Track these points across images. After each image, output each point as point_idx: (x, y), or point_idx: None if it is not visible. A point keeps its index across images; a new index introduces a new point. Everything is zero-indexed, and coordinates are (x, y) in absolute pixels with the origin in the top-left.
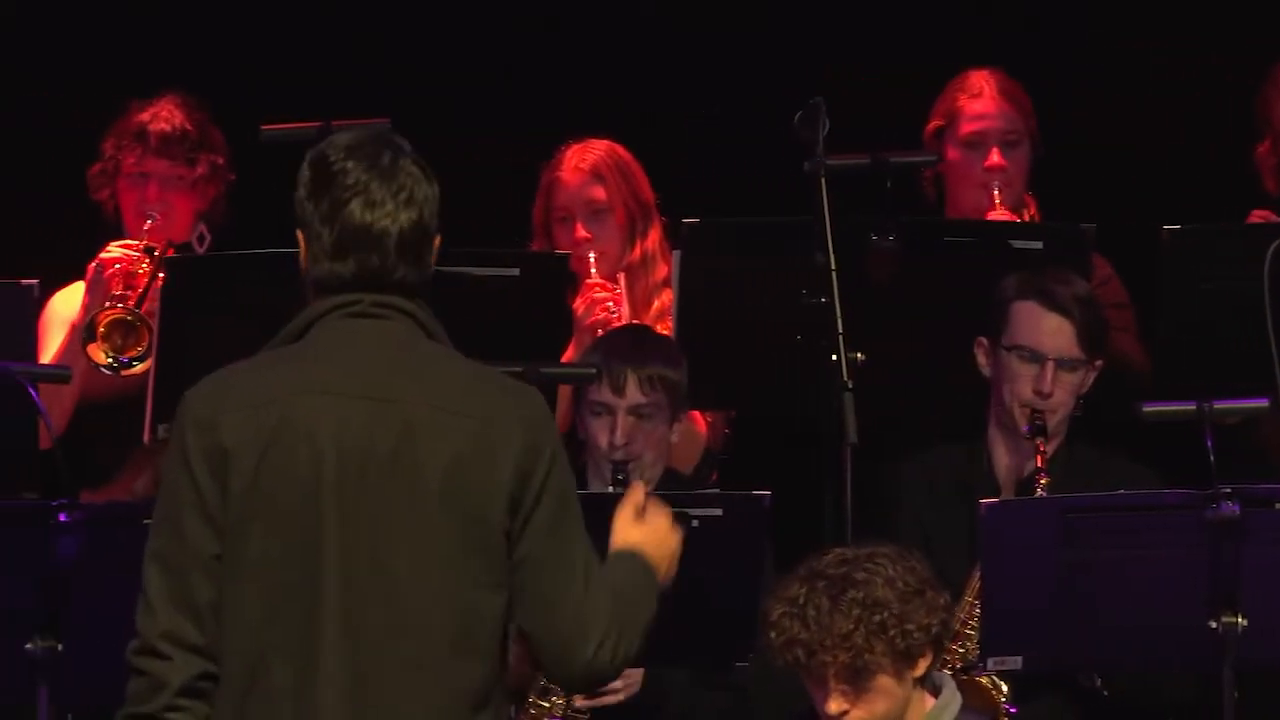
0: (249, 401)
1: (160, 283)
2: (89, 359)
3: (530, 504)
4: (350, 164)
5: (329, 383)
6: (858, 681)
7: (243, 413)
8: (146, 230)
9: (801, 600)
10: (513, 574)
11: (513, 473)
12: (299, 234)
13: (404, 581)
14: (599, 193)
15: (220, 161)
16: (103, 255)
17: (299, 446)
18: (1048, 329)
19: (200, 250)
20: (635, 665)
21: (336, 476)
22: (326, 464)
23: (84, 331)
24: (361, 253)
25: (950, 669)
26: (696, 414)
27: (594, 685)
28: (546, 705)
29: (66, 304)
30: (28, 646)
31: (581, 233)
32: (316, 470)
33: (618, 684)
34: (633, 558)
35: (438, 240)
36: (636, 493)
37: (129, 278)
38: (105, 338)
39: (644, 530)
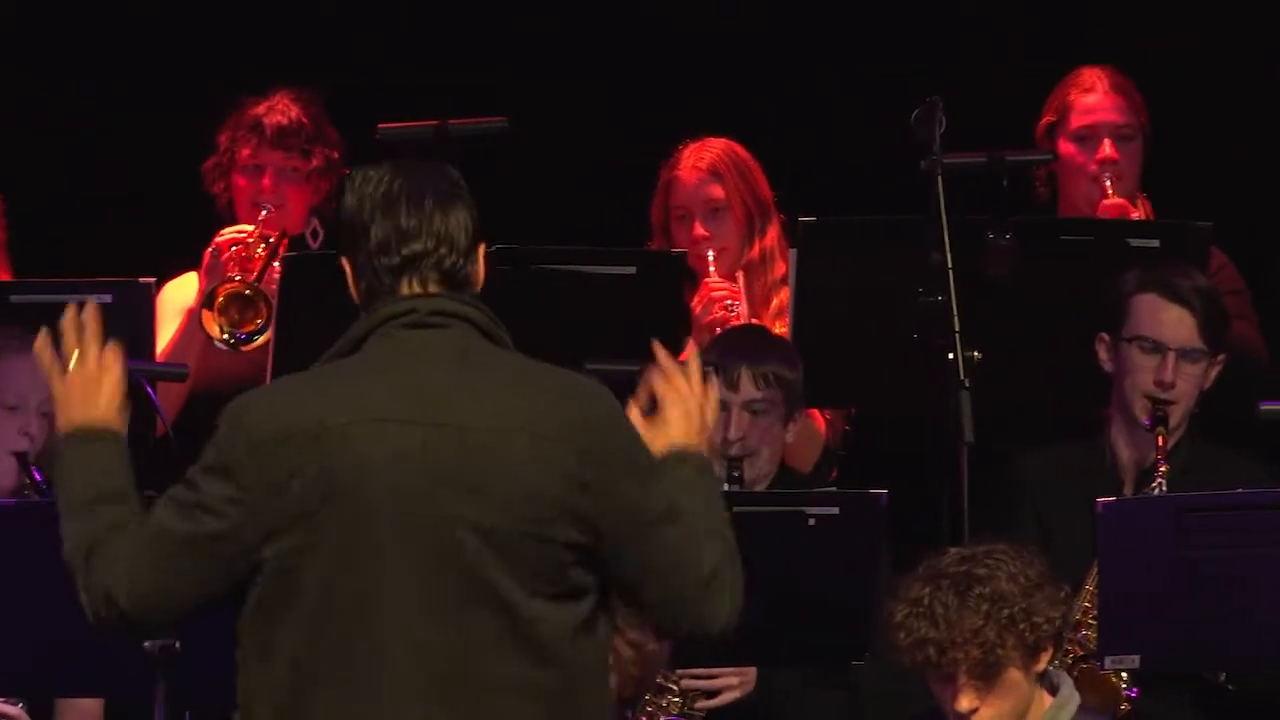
0: (302, 428)
1: (277, 267)
2: (205, 331)
3: (600, 510)
4: (381, 182)
5: (382, 406)
6: (988, 677)
7: (296, 440)
8: (261, 220)
9: (927, 600)
10: (616, 579)
11: (575, 486)
12: (343, 261)
13: (470, 605)
14: (717, 191)
15: (334, 156)
16: (218, 239)
17: (351, 476)
18: (1169, 320)
19: (314, 245)
20: (751, 664)
21: (392, 506)
22: (381, 493)
23: (203, 301)
24: (399, 265)
25: (1070, 659)
26: (816, 412)
27: (723, 635)
28: (663, 705)
29: (178, 294)
30: (145, 644)
31: (700, 231)
32: (369, 500)
33: (733, 681)
34: (679, 465)
35: (483, 248)
36: (637, 401)
37: (245, 261)
38: (223, 311)
39: (671, 426)
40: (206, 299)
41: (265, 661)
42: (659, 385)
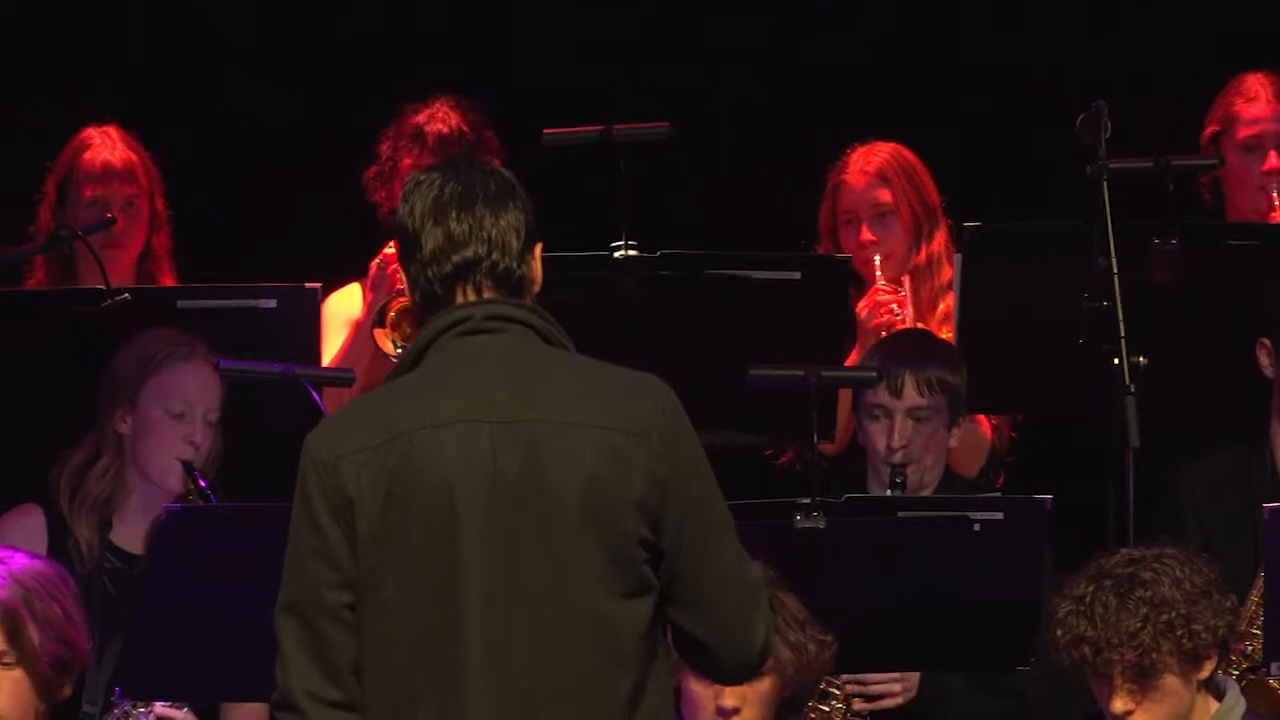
0: (368, 442)
1: None
2: (377, 346)
3: (668, 508)
4: (432, 187)
5: (447, 413)
6: (1144, 681)
7: (363, 455)
8: None
9: (1089, 599)
10: (666, 581)
11: (643, 479)
12: (401, 261)
13: (547, 607)
14: (885, 195)
15: (495, 163)
16: (386, 251)
17: (423, 484)
18: None
19: None
20: (914, 669)
21: (465, 509)
22: (453, 498)
23: (374, 318)
24: (451, 273)
25: (1236, 670)
26: (982, 418)
27: (752, 672)
28: (826, 710)
29: (343, 305)
30: None
31: (867, 235)
32: (443, 505)
33: (896, 688)
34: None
35: (539, 248)
36: None
37: None
38: (394, 326)
39: None
40: (379, 316)
41: (369, 689)
42: None
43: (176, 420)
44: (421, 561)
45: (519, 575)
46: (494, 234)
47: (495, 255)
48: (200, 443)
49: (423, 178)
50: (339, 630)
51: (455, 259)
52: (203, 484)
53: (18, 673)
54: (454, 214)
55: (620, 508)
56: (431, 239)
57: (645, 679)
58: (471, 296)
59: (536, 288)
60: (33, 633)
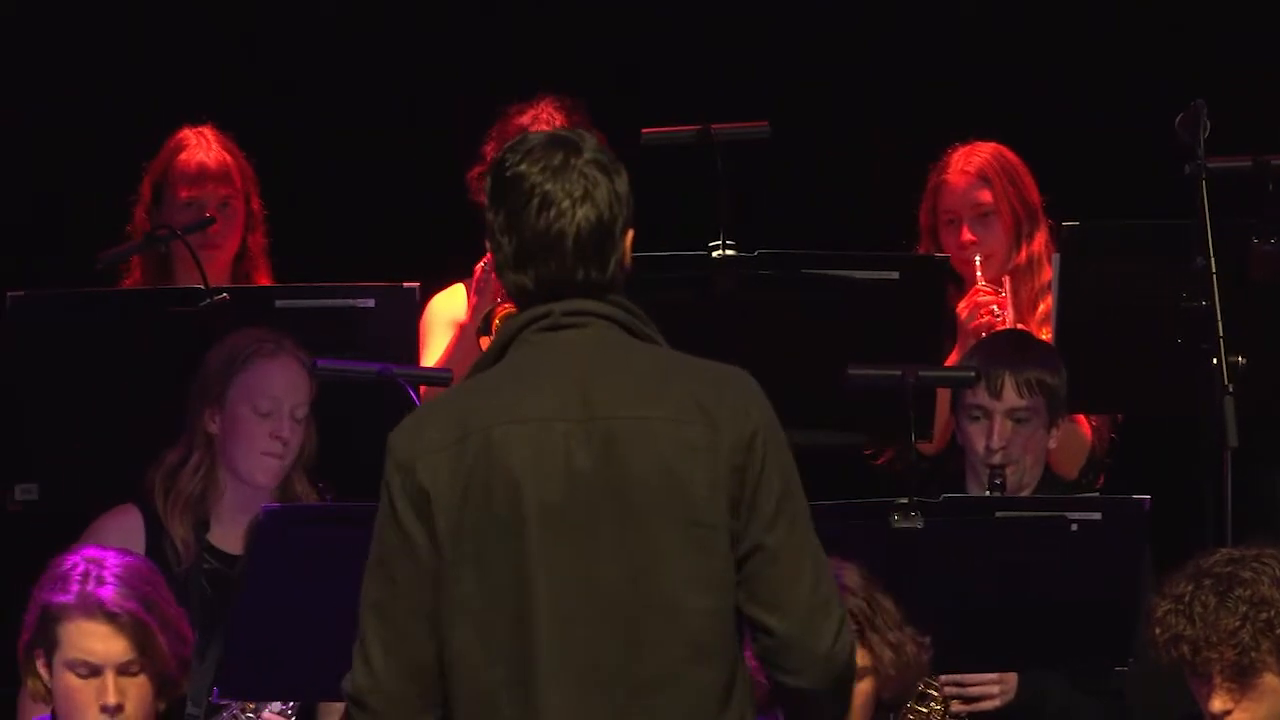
0: (445, 440)
1: None
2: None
3: (749, 499)
4: (524, 168)
5: (523, 410)
6: (1243, 680)
7: (440, 452)
8: None
9: (1188, 597)
10: (740, 570)
11: (726, 470)
12: (487, 245)
13: (624, 602)
14: (986, 195)
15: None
16: (490, 255)
17: (498, 481)
18: None
19: None
20: (1013, 669)
21: (539, 507)
22: (527, 495)
23: (479, 325)
24: (540, 259)
25: None
26: (1082, 419)
27: (830, 679)
28: (924, 711)
29: (447, 306)
30: None
31: (967, 235)
32: (518, 503)
33: (994, 689)
34: None
35: (630, 234)
36: None
37: None
38: None
39: None
40: (484, 323)
41: (453, 671)
42: None
43: (264, 418)
44: (497, 558)
45: (595, 571)
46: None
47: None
48: (288, 439)
49: (508, 165)
50: (421, 629)
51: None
52: (329, 498)
53: (142, 679)
54: (534, 204)
55: (701, 500)
56: (518, 225)
57: (734, 675)
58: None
59: (625, 269)
60: (160, 638)
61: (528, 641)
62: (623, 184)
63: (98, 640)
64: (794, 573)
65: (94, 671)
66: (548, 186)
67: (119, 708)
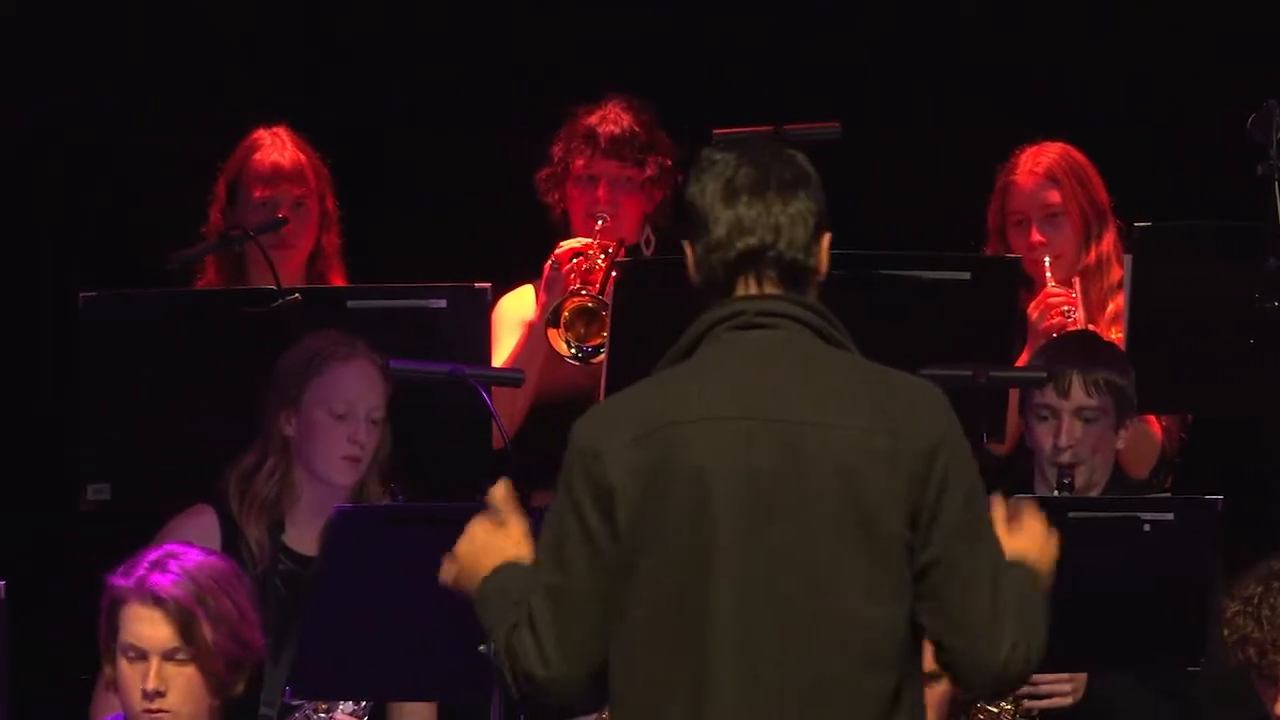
0: (632, 432)
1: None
2: (552, 347)
3: (930, 511)
4: (726, 169)
5: (711, 407)
6: None
7: (626, 444)
8: (598, 231)
9: (1256, 600)
10: (918, 580)
11: (907, 481)
12: (685, 245)
13: (800, 606)
14: (1054, 196)
15: (668, 163)
16: (558, 252)
17: (681, 477)
18: None
19: (647, 253)
20: (1083, 670)
21: (722, 505)
22: (711, 493)
23: (548, 317)
24: (736, 260)
25: None
26: (1152, 419)
27: (1003, 691)
28: (995, 710)
29: (516, 306)
30: (481, 649)
31: (1036, 236)
32: (701, 500)
33: (1065, 688)
34: (1018, 567)
35: (827, 238)
36: (999, 504)
37: (586, 273)
38: (569, 326)
39: (1023, 539)
40: (552, 316)
41: (621, 677)
42: (1027, 510)
43: (339, 421)
44: (675, 554)
45: (772, 573)
46: (782, 222)
47: (781, 245)
48: (364, 442)
49: (717, 157)
50: (593, 616)
51: (740, 245)
52: (398, 496)
53: (190, 669)
54: (744, 198)
55: (884, 509)
56: (720, 221)
57: (904, 685)
58: (752, 287)
59: (820, 277)
60: (206, 629)
61: (702, 639)
62: (819, 191)
63: (146, 625)
64: (973, 587)
65: (141, 656)
66: (749, 187)
67: (158, 693)
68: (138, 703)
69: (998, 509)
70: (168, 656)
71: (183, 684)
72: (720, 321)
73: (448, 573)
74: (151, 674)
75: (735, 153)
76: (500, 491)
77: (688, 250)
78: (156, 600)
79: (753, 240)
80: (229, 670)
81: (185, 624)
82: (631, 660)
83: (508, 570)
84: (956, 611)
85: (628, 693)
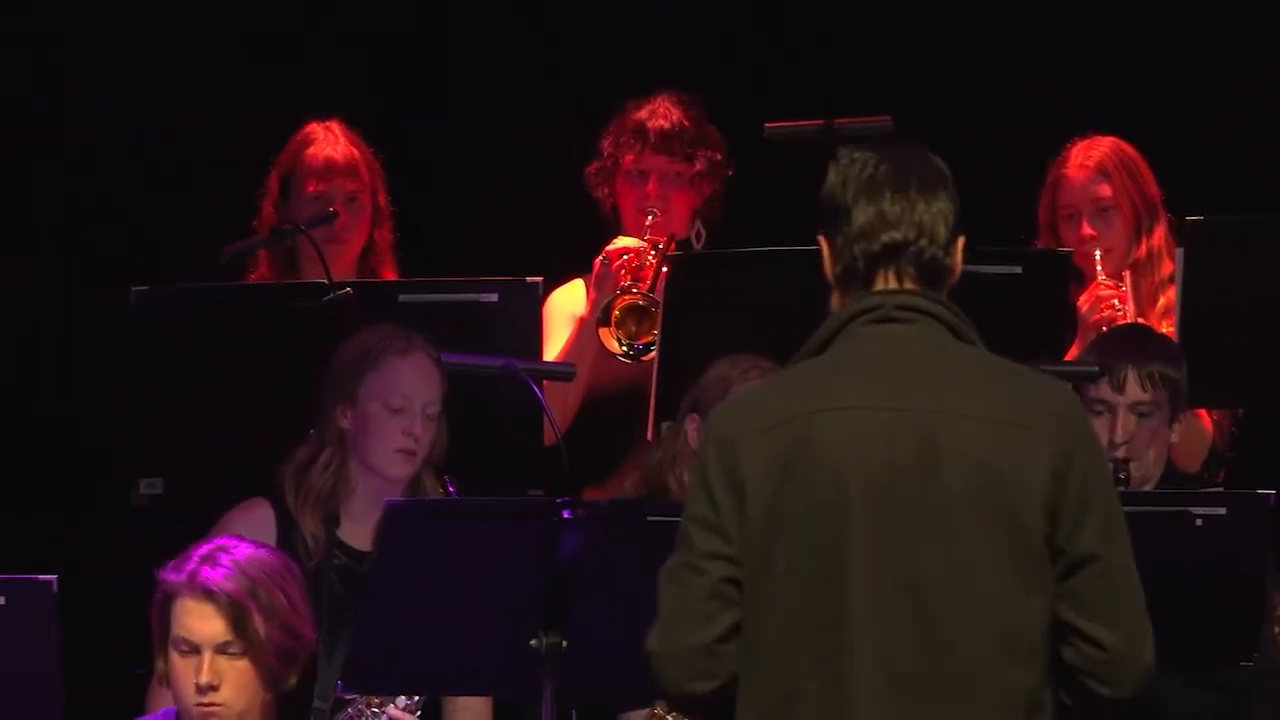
0: (768, 421)
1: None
2: (603, 345)
3: (1072, 508)
4: (867, 164)
5: (848, 398)
6: None
7: (761, 433)
8: (647, 226)
9: None
10: (1061, 581)
11: (1047, 477)
12: (820, 238)
13: (938, 596)
14: (1105, 190)
15: (718, 158)
16: (609, 248)
17: (817, 467)
18: None
19: (697, 247)
20: None
21: (859, 495)
22: (848, 483)
23: (599, 316)
24: (878, 254)
25: None
26: (1203, 412)
27: (1140, 690)
28: None
29: (566, 301)
30: (532, 643)
31: (1087, 230)
32: (837, 490)
33: None
34: None
35: (961, 239)
36: None
37: (636, 270)
38: (620, 324)
39: None
40: (603, 313)
41: (751, 666)
42: None
43: (395, 414)
44: (811, 544)
45: (909, 564)
46: (925, 219)
47: (923, 241)
48: (419, 436)
49: (856, 155)
50: (717, 602)
51: (884, 239)
52: (451, 490)
53: (243, 663)
54: (888, 194)
55: (1020, 502)
56: (862, 215)
57: (1043, 681)
58: (891, 282)
59: (954, 278)
60: (259, 623)
61: (838, 629)
62: (953, 190)
63: (197, 619)
64: (1127, 586)
65: (193, 650)
66: (888, 184)
67: (212, 687)
68: (191, 696)
69: None
70: (220, 650)
71: (235, 677)
72: (858, 315)
73: None
74: (204, 667)
75: (876, 150)
76: None
77: (823, 244)
78: (208, 594)
79: (896, 235)
80: (281, 663)
81: (237, 617)
82: (764, 646)
83: None
84: (1115, 614)
85: (758, 678)
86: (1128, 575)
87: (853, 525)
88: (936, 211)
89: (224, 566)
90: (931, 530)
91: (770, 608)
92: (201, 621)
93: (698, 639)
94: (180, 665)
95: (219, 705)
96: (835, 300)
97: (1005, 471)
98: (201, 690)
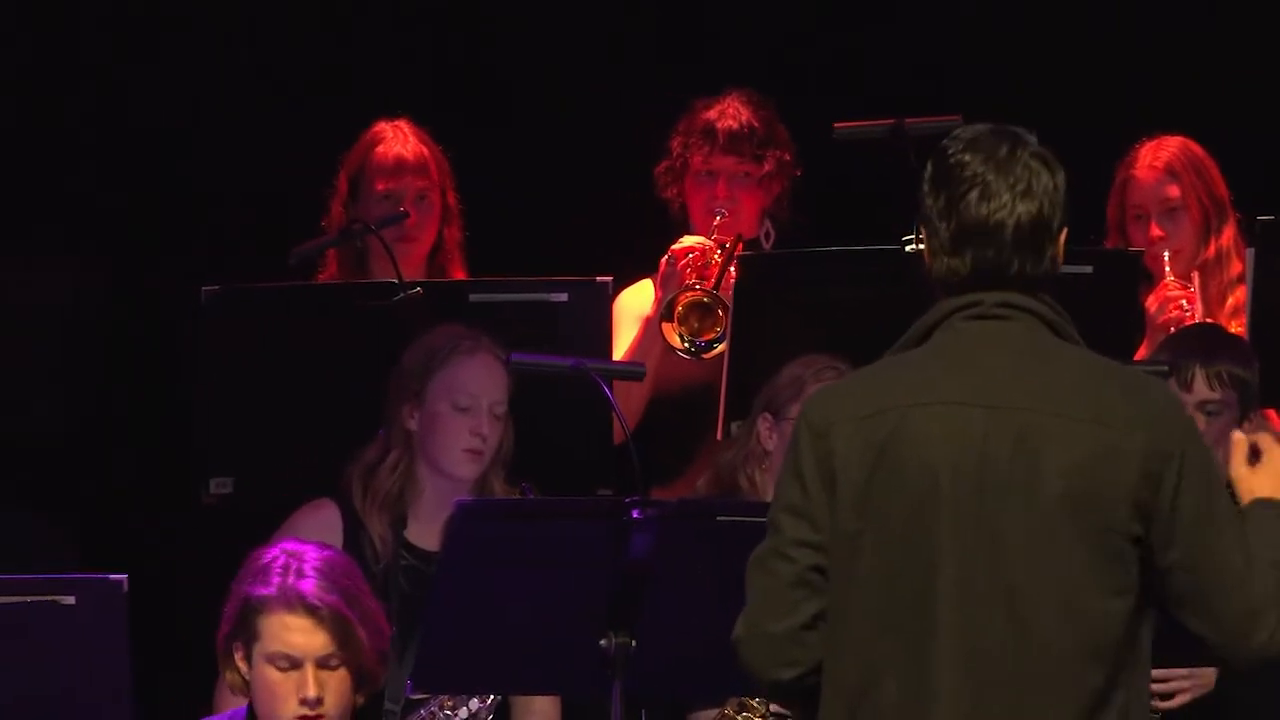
0: (862, 411)
1: (733, 272)
2: (665, 341)
3: (1167, 509)
4: (967, 156)
5: (944, 392)
6: None
7: (855, 423)
8: (715, 227)
9: None
10: (1164, 582)
11: (1139, 478)
12: (921, 229)
13: (1025, 594)
14: (1173, 190)
15: (786, 158)
16: (674, 247)
17: (910, 459)
18: None
19: (766, 247)
20: (1207, 664)
21: (950, 489)
22: (939, 477)
23: (662, 311)
24: (978, 247)
25: None
26: (1273, 413)
27: (1260, 667)
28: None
29: (634, 301)
30: (602, 643)
31: (1156, 230)
32: (929, 483)
33: (1184, 684)
34: (1265, 508)
35: (1064, 233)
36: (1240, 439)
37: (702, 269)
38: (682, 320)
39: (1267, 473)
40: (666, 309)
41: (835, 654)
42: (1265, 440)
43: (462, 414)
44: (901, 536)
45: (998, 561)
46: (1024, 215)
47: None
48: (487, 435)
49: (962, 149)
50: (804, 590)
51: (981, 235)
52: (529, 493)
53: (342, 672)
54: (987, 190)
55: (1115, 504)
56: (962, 210)
57: (1119, 681)
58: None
59: (1057, 271)
60: (360, 632)
61: (925, 622)
62: (1062, 181)
63: (299, 634)
64: (1220, 581)
65: (294, 664)
66: (990, 177)
67: (319, 700)
68: (292, 710)
69: (1237, 449)
70: (322, 663)
71: (336, 686)
72: (957, 310)
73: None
74: (310, 683)
75: (980, 146)
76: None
77: (926, 237)
78: (309, 609)
79: (984, 233)
80: (379, 665)
81: (341, 629)
82: (847, 636)
83: None
84: (1209, 609)
85: (840, 669)
86: (1225, 568)
87: (943, 521)
88: (1039, 207)
89: (311, 577)
90: (1022, 529)
91: (855, 599)
92: (304, 636)
93: (782, 626)
94: (278, 679)
95: (323, 717)
96: (938, 294)
97: (1098, 473)
98: (309, 704)
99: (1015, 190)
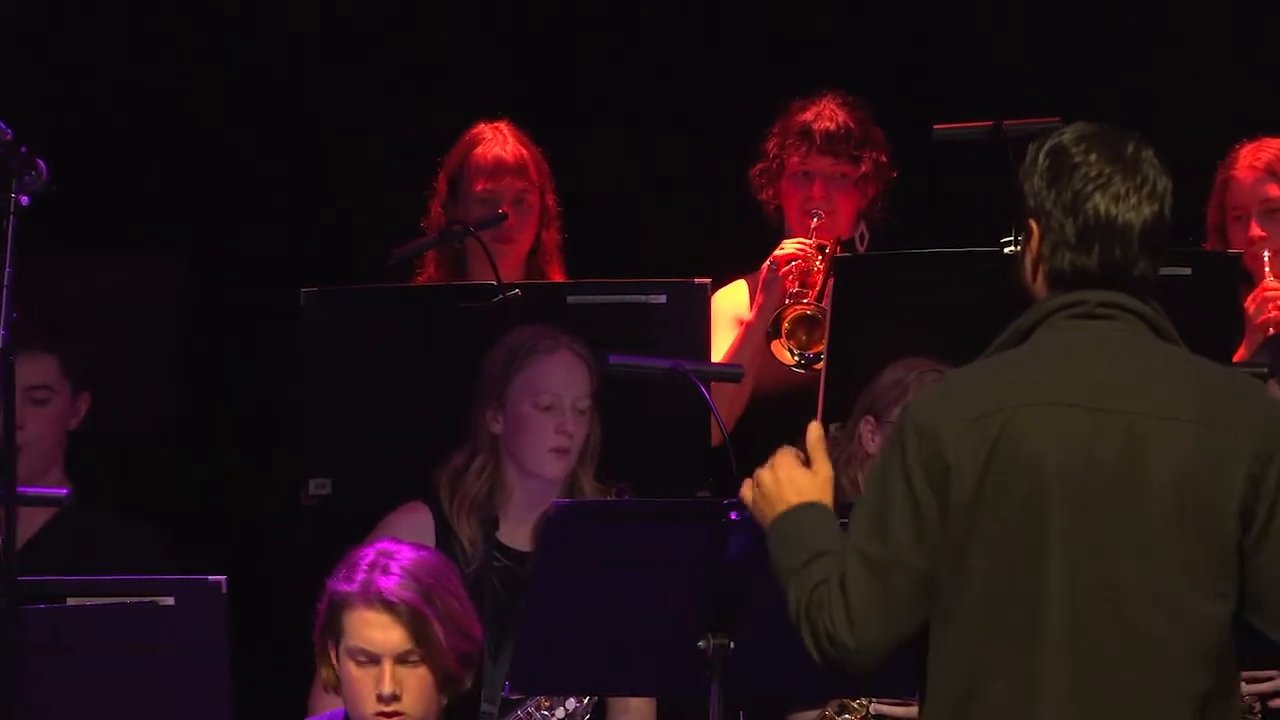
0: (971, 412)
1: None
2: (775, 357)
3: (1265, 513)
4: (1093, 155)
5: (1049, 393)
6: None
7: (964, 424)
8: (813, 229)
9: None
10: (1254, 585)
11: (1244, 481)
12: (1031, 223)
13: (1132, 596)
14: (1274, 190)
15: (882, 159)
16: (777, 253)
17: (1020, 460)
18: None
19: (861, 249)
20: None
21: (1059, 491)
22: (1049, 478)
23: (769, 329)
24: (1106, 246)
25: None
26: None
27: None
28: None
29: (729, 302)
30: (700, 644)
31: (1256, 231)
32: (1039, 485)
33: (1266, 686)
34: None
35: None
36: None
37: (804, 275)
38: (790, 334)
39: None
40: (773, 326)
41: (940, 654)
42: None
43: (546, 413)
44: (1010, 537)
45: (1107, 563)
46: (1132, 217)
47: (1129, 238)
48: (572, 432)
49: (1075, 150)
50: (912, 593)
51: (1088, 235)
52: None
53: (422, 670)
54: (1097, 190)
55: (1219, 507)
56: (1069, 211)
57: (1223, 683)
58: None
59: (1158, 271)
60: (437, 629)
61: (1033, 626)
62: (1172, 185)
63: (377, 629)
64: None
65: (372, 660)
66: (1117, 176)
67: (394, 697)
68: (371, 706)
69: None
70: (400, 660)
71: (415, 684)
72: (1060, 309)
73: (746, 494)
74: (386, 678)
75: (1103, 144)
76: (813, 433)
77: (1033, 230)
78: (387, 604)
79: (1103, 232)
80: (459, 667)
81: (417, 626)
82: (955, 640)
83: (809, 511)
84: None
85: (945, 671)
86: None
87: (1052, 524)
88: (1145, 208)
89: (395, 574)
90: (1130, 532)
91: (963, 601)
92: (382, 632)
93: (892, 638)
94: (358, 675)
95: (401, 714)
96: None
97: (1203, 475)
98: (385, 700)
99: (1141, 191)
